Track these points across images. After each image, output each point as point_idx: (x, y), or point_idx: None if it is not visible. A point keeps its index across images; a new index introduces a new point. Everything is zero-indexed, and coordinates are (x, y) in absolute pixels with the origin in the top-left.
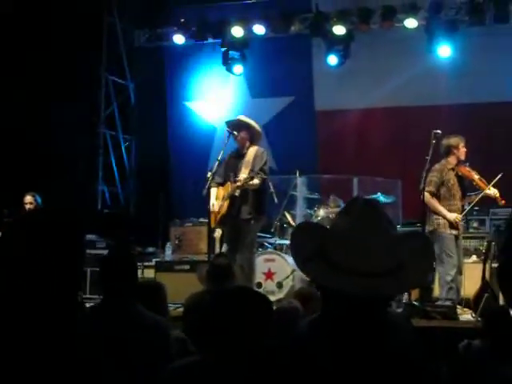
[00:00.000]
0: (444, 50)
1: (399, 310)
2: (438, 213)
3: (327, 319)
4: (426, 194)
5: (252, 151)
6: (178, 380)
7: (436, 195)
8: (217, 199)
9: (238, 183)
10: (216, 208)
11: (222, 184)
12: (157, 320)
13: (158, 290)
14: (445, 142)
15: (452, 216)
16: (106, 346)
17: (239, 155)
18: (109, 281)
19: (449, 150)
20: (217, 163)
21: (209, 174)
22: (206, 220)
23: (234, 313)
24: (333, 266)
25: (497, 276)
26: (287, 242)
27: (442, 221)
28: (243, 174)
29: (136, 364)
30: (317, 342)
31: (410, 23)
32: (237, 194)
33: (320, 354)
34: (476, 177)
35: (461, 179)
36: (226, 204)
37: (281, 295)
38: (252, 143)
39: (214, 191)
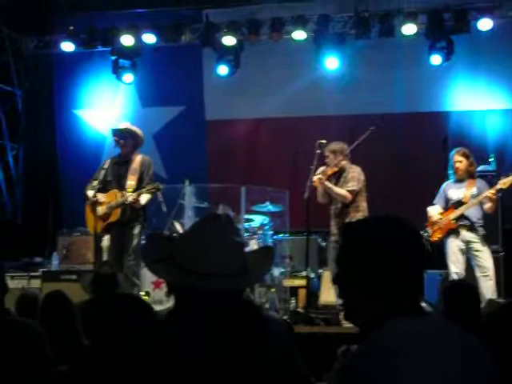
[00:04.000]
0: (331, 62)
1: (285, 317)
2: None
3: (181, 313)
4: None
5: (138, 159)
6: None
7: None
8: (99, 205)
9: (131, 197)
10: (100, 213)
11: (102, 190)
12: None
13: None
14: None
15: None
16: None
17: (123, 162)
18: None
19: None
20: (103, 171)
21: (95, 183)
22: None
23: (112, 319)
24: (178, 267)
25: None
26: None
27: None
28: (131, 182)
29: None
30: (175, 334)
31: (299, 35)
32: (128, 202)
33: (180, 344)
34: None
35: None
36: (117, 212)
37: (169, 304)
38: (136, 151)
39: (91, 194)
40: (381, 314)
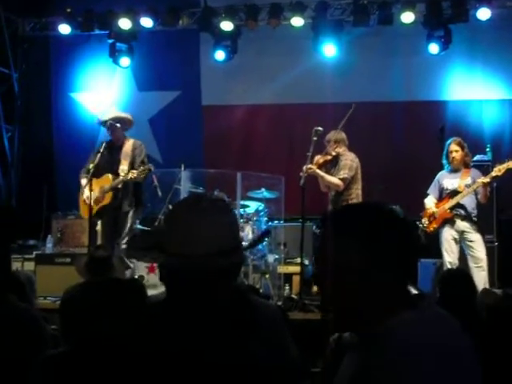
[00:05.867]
0: (329, 49)
1: (279, 304)
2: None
3: (172, 298)
4: None
5: (129, 143)
6: (50, 369)
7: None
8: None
9: (131, 175)
10: (87, 197)
11: (95, 175)
12: (30, 312)
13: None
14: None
15: None
16: None
17: (115, 147)
18: None
19: None
20: (99, 155)
21: (91, 166)
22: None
23: (104, 303)
24: (164, 251)
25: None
26: None
27: None
28: (124, 166)
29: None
30: (164, 323)
31: (297, 22)
32: (120, 186)
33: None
34: None
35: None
36: (108, 196)
37: (163, 289)
38: (125, 135)
39: (84, 182)
40: (384, 307)
